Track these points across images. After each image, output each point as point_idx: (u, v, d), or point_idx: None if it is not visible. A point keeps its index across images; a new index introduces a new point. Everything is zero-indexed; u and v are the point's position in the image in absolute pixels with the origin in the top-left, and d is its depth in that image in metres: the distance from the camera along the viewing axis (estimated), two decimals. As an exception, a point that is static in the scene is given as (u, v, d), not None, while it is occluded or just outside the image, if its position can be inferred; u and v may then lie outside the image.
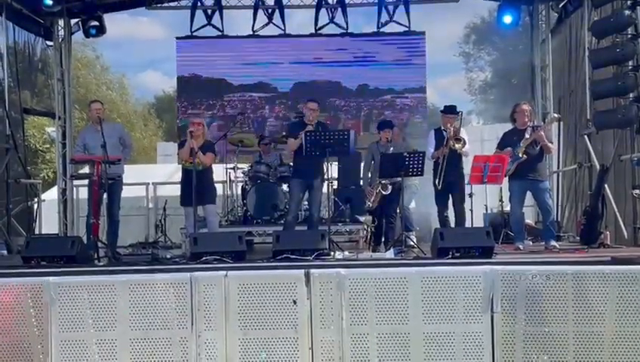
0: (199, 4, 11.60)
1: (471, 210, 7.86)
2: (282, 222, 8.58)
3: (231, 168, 10.12)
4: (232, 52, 11.96)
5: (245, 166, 10.03)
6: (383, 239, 8.26)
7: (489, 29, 23.63)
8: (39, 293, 5.53)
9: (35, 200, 10.00)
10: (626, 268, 5.45)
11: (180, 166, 8.17)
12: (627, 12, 7.31)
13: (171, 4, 11.94)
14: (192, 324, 5.52)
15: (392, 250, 7.18)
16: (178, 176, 8.28)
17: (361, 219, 9.31)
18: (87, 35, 11.12)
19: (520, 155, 7.47)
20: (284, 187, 9.34)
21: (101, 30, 10.92)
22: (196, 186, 7.15)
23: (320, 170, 7.79)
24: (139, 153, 23.70)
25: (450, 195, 7.83)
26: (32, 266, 6.23)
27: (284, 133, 9.57)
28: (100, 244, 7.22)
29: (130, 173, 8.96)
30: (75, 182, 10.69)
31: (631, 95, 7.32)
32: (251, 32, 11.68)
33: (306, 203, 8.49)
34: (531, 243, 8.15)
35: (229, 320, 5.51)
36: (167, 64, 49.67)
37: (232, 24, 12.39)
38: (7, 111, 9.21)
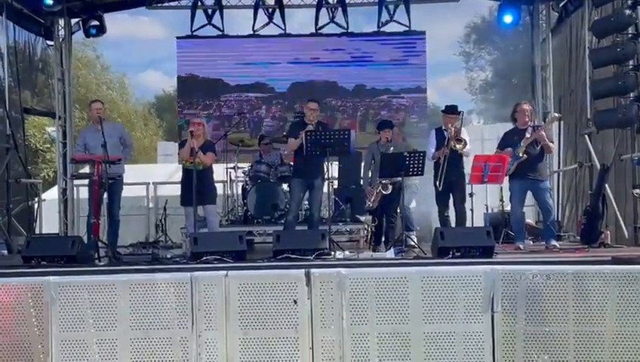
0: (199, 3, 11.60)
1: (471, 210, 7.86)
2: (283, 221, 8.58)
3: (231, 168, 10.12)
4: (230, 52, 11.97)
5: (246, 166, 10.03)
6: (383, 239, 8.27)
7: (489, 28, 23.63)
8: (40, 293, 5.52)
9: (36, 199, 10.01)
10: (626, 268, 5.45)
11: (181, 166, 8.17)
12: (628, 11, 7.31)
13: (172, 3, 11.94)
14: (193, 324, 5.52)
15: (392, 249, 7.18)
16: (178, 176, 8.28)
17: (362, 218, 9.31)
18: (87, 34, 11.11)
19: (520, 155, 7.47)
20: (285, 187, 9.34)
21: (101, 30, 10.92)
22: (196, 186, 7.15)
23: (320, 170, 7.79)
24: (139, 153, 23.71)
25: (450, 195, 7.83)
26: (33, 266, 6.23)
27: (284, 133, 9.57)
28: (100, 244, 7.22)
29: (131, 172, 8.96)
30: (76, 182, 10.69)
31: (631, 94, 7.32)
32: (252, 32, 11.68)
33: (307, 202, 8.49)
34: (532, 242, 8.15)
35: (229, 320, 5.51)
36: (167, 64, 49.75)
37: (232, 24, 12.41)
38: (8, 111, 9.21)
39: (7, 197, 8.69)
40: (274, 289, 5.52)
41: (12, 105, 9.51)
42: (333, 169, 9.06)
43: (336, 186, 9.81)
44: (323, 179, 7.90)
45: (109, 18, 11.10)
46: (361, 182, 8.90)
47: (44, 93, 11.39)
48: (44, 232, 10.01)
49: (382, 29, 11.74)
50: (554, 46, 10.92)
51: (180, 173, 8.02)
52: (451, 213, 7.92)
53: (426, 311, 5.47)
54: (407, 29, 11.63)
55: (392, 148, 8.08)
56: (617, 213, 7.89)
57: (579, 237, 8.10)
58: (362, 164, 8.85)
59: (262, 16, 11.60)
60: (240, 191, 10.07)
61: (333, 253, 6.63)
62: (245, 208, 9.58)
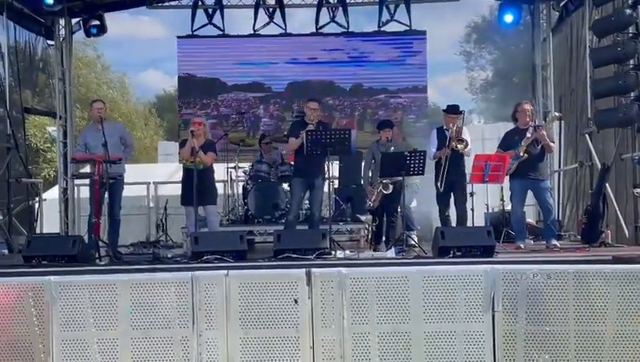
0: (200, 3, 11.60)
1: (472, 209, 7.86)
2: (283, 221, 8.58)
3: (232, 167, 10.12)
4: (229, 52, 11.99)
5: (246, 165, 10.03)
6: (384, 238, 8.26)
7: (490, 27, 23.60)
8: (40, 293, 5.53)
9: (36, 199, 10.01)
10: (627, 267, 5.45)
11: (181, 165, 8.17)
12: (628, 11, 7.31)
13: (172, 3, 11.94)
14: (193, 323, 5.52)
15: (393, 249, 7.18)
16: (179, 176, 8.28)
17: (362, 218, 9.30)
18: (88, 34, 11.10)
19: (521, 154, 7.47)
20: (285, 186, 9.34)
21: (102, 29, 10.91)
22: (197, 186, 7.15)
23: (321, 169, 7.79)
24: (140, 152, 23.71)
25: (451, 194, 7.83)
26: (33, 265, 6.23)
27: (285, 133, 9.57)
28: (101, 244, 7.22)
29: (132, 172, 8.96)
30: (76, 182, 10.70)
31: (632, 94, 7.32)
32: (252, 32, 11.68)
33: (307, 202, 8.49)
34: (532, 242, 8.14)
35: (230, 320, 5.51)
36: (168, 63, 49.67)
37: (232, 23, 12.41)
38: (9, 111, 9.21)
39: (7, 197, 8.69)
40: (274, 289, 5.52)
41: (13, 104, 9.51)
42: (333, 168, 9.07)
43: (336, 186, 9.81)
44: (324, 178, 7.90)
45: (110, 18, 11.10)
46: (362, 182, 8.90)
47: (45, 92, 11.39)
48: (44, 232, 10.01)
49: (382, 29, 11.74)
50: (554, 45, 10.92)
51: (181, 173, 8.02)
52: (451, 212, 7.92)
53: (426, 311, 5.47)
54: (408, 28, 11.64)
55: (392, 148, 8.07)
56: (618, 212, 7.88)
57: (579, 237, 8.09)
58: (363, 164, 8.85)
59: (262, 16, 11.60)
60: (240, 191, 10.07)
61: (333, 252, 6.63)
62: (246, 208, 9.58)
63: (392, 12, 11.64)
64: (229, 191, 10.45)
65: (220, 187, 9.30)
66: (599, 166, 8.13)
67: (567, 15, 10.42)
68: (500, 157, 7.58)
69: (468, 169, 7.85)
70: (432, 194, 8.00)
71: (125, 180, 8.34)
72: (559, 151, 10.17)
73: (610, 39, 7.85)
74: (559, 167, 10.48)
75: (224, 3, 11.64)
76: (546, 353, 5.38)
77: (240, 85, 12.05)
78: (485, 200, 9.49)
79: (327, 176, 8.01)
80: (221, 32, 11.77)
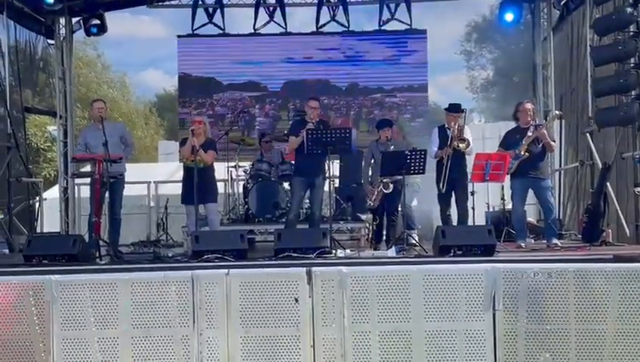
0: (200, 2, 11.61)
1: (473, 208, 7.85)
2: (284, 220, 8.58)
3: (232, 167, 10.12)
4: (228, 51, 12.00)
5: (246, 164, 10.03)
6: (384, 237, 8.25)
7: (490, 26, 23.60)
8: (41, 292, 5.52)
9: (37, 198, 10.01)
10: (628, 266, 5.44)
11: (182, 164, 8.16)
12: (629, 9, 7.30)
13: (173, 2, 11.96)
14: (194, 322, 5.52)
15: (393, 248, 7.18)
16: (179, 175, 8.28)
17: (363, 217, 9.31)
18: (88, 33, 11.09)
19: (522, 153, 7.46)
20: (286, 185, 9.34)
21: (102, 29, 10.90)
22: (198, 184, 7.15)
23: (321, 168, 7.79)
24: (140, 152, 23.71)
25: (453, 193, 7.82)
26: (34, 265, 6.23)
27: (285, 132, 9.57)
28: (101, 243, 7.22)
29: (132, 171, 8.95)
30: (77, 181, 10.70)
31: (633, 92, 7.31)
32: (253, 31, 11.68)
33: (308, 201, 8.49)
34: (533, 241, 8.14)
35: (230, 319, 5.51)
36: (168, 62, 49.69)
37: (233, 22, 12.42)
38: (9, 110, 9.21)
39: (8, 196, 8.69)
40: (275, 288, 5.51)
41: (13, 104, 9.51)
42: (334, 167, 9.07)
43: (337, 185, 9.82)
44: (324, 177, 7.90)
45: (110, 17, 11.09)
46: (362, 181, 8.89)
47: (45, 92, 11.39)
48: (45, 231, 10.00)
49: (383, 28, 11.74)
50: (555, 44, 10.91)
51: (181, 172, 8.02)
52: (452, 211, 7.91)
53: (427, 310, 5.46)
54: (409, 27, 11.64)
55: (392, 147, 8.06)
56: (619, 211, 7.88)
57: (580, 236, 8.08)
58: (363, 163, 8.84)
59: (263, 15, 11.60)
60: (241, 190, 10.07)
61: (334, 251, 6.63)
62: (246, 207, 9.57)
63: (393, 11, 11.66)
64: (230, 191, 10.45)
65: (220, 186, 9.29)
66: (600, 165, 8.12)
67: (567, 14, 10.41)
68: (500, 156, 7.57)
69: (469, 168, 7.84)
70: (432, 193, 8.00)
71: (126, 179, 8.33)
72: (560, 150, 10.16)
73: (611, 38, 7.83)
74: (560, 165, 10.47)
75: (224, 2, 11.66)
76: (547, 352, 5.38)
77: (235, 84, 12.07)
78: (486, 199, 9.50)
79: (327, 175, 8.01)
80: (221, 31, 11.77)
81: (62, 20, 11.00)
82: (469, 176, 7.83)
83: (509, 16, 10.82)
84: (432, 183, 7.87)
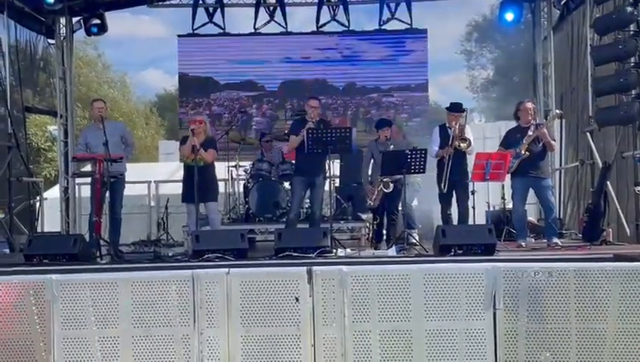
0: (201, 1, 11.62)
1: (473, 208, 7.85)
2: (284, 219, 8.58)
3: (233, 166, 10.12)
4: (227, 50, 12.00)
5: (247, 164, 10.03)
6: (384, 237, 8.25)
7: (491, 26, 23.64)
8: (41, 291, 5.52)
9: (37, 198, 10.01)
10: (628, 265, 5.44)
11: (182, 164, 8.16)
12: (629, 9, 7.30)
13: (173, 1, 11.97)
14: (195, 322, 5.52)
15: (394, 247, 7.19)
16: (180, 175, 8.27)
17: (363, 216, 9.31)
18: (88, 33, 11.10)
19: (523, 152, 7.46)
20: (286, 185, 9.34)
21: (103, 28, 10.91)
22: (198, 183, 7.15)
23: (322, 168, 7.79)
24: (141, 151, 23.73)
25: (454, 193, 7.82)
26: (35, 264, 6.24)
27: (285, 132, 9.57)
28: (102, 242, 7.23)
29: (132, 171, 8.96)
30: (77, 181, 10.70)
31: (633, 92, 7.31)
32: (253, 30, 11.68)
33: (308, 200, 8.49)
34: (533, 240, 8.15)
35: (231, 318, 5.51)
36: (168, 62, 49.65)
37: (233, 22, 12.42)
38: (10, 110, 9.21)
39: (9, 196, 8.69)
40: (276, 287, 5.51)
41: (14, 103, 9.52)
42: (334, 167, 9.07)
43: (337, 184, 9.81)
44: (324, 177, 7.90)
45: (110, 16, 11.10)
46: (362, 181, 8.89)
47: (46, 91, 11.40)
48: (45, 231, 10.01)
49: (383, 27, 11.74)
50: (555, 43, 10.91)
51: (182, 172, 8.01)
52: (453, 210, 7.91)
53: (427, 309, 5.46)
54: (409, 26, 11.64)
55: (391, 146, 8.05)
56: (619, 210, 7.88)
57: (581, 235, 8.08)
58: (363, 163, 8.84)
59: (263, 15, 11.60)
60: (241, 190, 10.07)
61: (334, 250, 6.64)
62: (247, 206, 9.58)
63: (393, 10, 11.66)
64: (230, 190, 10.46)
65: (221, 185, 9.29)
66: (600, 164, 8.13)
67: (567, 13, 10.41)
68: (501, 155, 7.57)
69: (469, 167, 7.84)
70: (433, 192, 7.99)
71: (126, 179, 8.33)
72: (560, 150, 10.16)
73: (612, 37, 7.84)
74: (560, 165, 10.47)
75: (225, 2, 11.66)
76: (548, 351, 5.38)
77: (232, 84, 12.07)
78: (486, 198, 9.50)
79: (328, 174, 8.00)
80: (222, 31, 11.78)
81: (62, 20, 11.01)
82: (470, 176, 7.82)
83: (509, 16, 10.83)
84: (433, 182, 7.87)
